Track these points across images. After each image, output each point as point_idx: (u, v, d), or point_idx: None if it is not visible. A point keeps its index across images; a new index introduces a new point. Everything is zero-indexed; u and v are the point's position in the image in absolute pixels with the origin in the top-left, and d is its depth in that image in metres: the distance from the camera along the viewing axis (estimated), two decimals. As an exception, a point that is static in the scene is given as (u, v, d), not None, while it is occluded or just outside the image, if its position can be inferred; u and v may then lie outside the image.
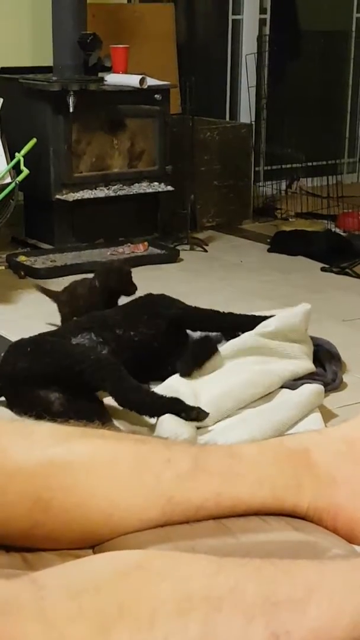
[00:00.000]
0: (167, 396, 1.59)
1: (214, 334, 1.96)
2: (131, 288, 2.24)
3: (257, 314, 1.98)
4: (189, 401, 1.62)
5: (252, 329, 1.88)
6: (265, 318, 1.91)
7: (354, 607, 0.64)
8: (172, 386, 1.74)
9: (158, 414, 1.54)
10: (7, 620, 0.58)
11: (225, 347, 1.83)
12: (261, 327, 1.87)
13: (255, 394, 1.74)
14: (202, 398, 1.68)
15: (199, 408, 1.55)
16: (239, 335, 1.90)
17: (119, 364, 1.65)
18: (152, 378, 1.89)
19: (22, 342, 1.76)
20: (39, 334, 1.85)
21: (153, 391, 1.63)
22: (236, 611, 0.63)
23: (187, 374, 1.77)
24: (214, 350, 1.83)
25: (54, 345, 1.72)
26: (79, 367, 1.61)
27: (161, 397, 1.58)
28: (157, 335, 1.89)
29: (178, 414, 1.53)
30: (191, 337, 2.00)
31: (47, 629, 0.58)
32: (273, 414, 1.65)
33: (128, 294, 2.23)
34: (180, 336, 1.96)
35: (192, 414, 1.54)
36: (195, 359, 1.83)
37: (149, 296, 2.02)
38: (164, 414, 1.53)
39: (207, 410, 1.62)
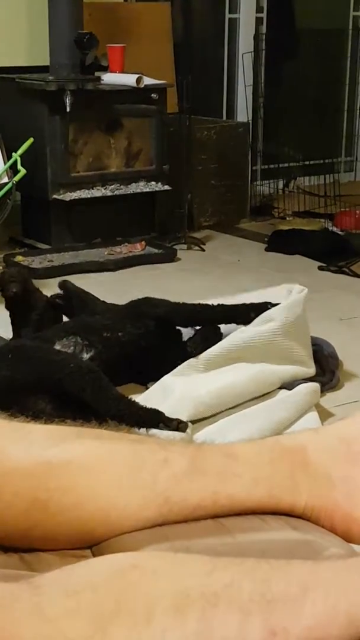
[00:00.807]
0: (148, 407, 1.59)
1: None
2: (35, 296, 2.10)
3: (244, 299, 1.96)
4: (180, 399, 1.63)
5: (247, 318, 1.87)
6: (258, 306, 1.89)
7: (350, 606, 0.65)
8: (167, 384, 1.74)
9: (138, 425, 1.55)
10: (3, 613, 0.58)
11: (228, 344, 1.81)
12: (265, 321, 1.84)
13: (255, 391, 1.74)
14: (201, 391, 1.68)
15: (179, 420, 1.55)
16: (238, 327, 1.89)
17: (99, 372, 1.64)
18: (148, 378, 1.88)
19: (3, 349, 1.76)
20: (21, 339, 1.85)
21: (134, 401, 1.62)
22: (232, 607, 0.63)
23: (196, 353, 1.78)
24: (221, 336, 1.84)
25: (35, 351, 1.71)
26: (58, 376, 1.61)
27: (141, 409, 1.58)
28: (146, 335, 1.89)
29: (157, 426, 1.53)
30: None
31: (44, 624, 0.58)
32: (270, 413, 1.65)
33: (34, 304, 2.08)
34: (172, 335, 1.96)
35: (172, 425, 1.54)
36: (205, 341, 1.83)
37: (133, 301, 2.02)
38: (144, 425, 1.54)
39: (207, 401, 1.62)
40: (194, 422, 1.65)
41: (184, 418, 1.58)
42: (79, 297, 2.12)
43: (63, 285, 2.16)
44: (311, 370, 1.89)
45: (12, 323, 2.14)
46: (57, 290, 2.77)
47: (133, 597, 0.62)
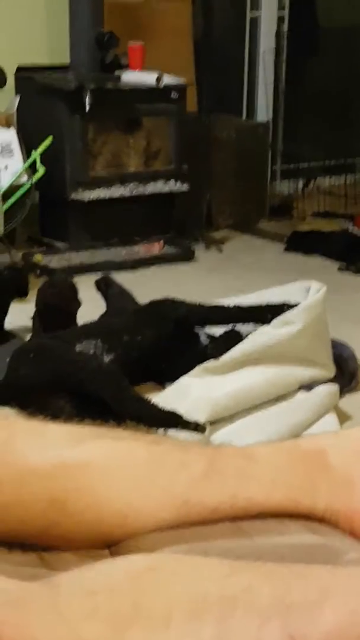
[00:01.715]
0: (166, 409, 1.59)
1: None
2: (73, 305, 2.07)
3: (260, 296, 1.95)
4: (197, 400, 1.62)
5: (264, 319, 1.86)
6: (276, 307, 1.88)
7: (371, 612, 0.64)
8: (184, 385, 1.73)
9: (156, 426, 1.54)
10: (21, 614, 0.58)
11: (246, 346, 1.80)
12: (284, 323, 1.82)
13: (273, 393, 1.73)
14: (218, 392, 1.67)
15: (196, 421, 1.55)
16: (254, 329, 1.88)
17: (119, 373, 1.64)
18: (165, 379, 1.88)
19: (25, 348, 1.76)
20: (43, 339, 1.85)
21: (153, 403, 1.62)
22: (251, 612, 0.63)
23: (217, 355, 1.78)
24: (242, 339, 1.84)
25: (56, 351, 1.71)
26: (78, 376, 1.61)
27: (160, 410, 1.58)
28: (165, 337, 1.89)
29: (175, 427, 1.53)
30: (202, 341, 1.99)
31: (61, 625, 0.58)
32: (288, 416, 1.64)
33: (70, 311, 2.07)
34: (189, 337, 1.96)
35: (190, 427, 1.54)
36: (226, 344, 1.83)
37: (153, 301, 2.01)
38: (161, 426, 1.54)
39: (224, 403, 1.61)
40: (210, 423, 1.64)
41: (201, 419, 1.58)
42: (121, 292, 2.14)
43: (105, 279, 2.18)
44: (330, 372, 1.87)
45: (35, 327, 2.12)
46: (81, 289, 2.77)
47: (151, 600, 0.62)
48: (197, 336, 1.97)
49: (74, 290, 2.09)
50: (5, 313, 2.26)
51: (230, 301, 2.00)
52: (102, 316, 2.08)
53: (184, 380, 1.75)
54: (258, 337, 1.80)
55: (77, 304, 2.08)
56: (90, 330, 1.88)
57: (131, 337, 1.85)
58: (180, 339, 1.91)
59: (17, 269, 2.59)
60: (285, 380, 1.76)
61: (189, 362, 1.84)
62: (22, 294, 2.36)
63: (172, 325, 1.89)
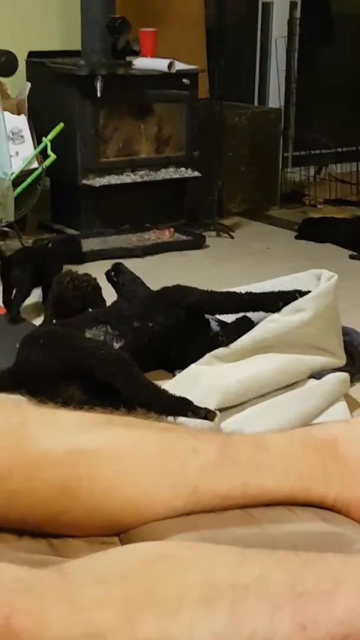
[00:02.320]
0: (177, 395, 1.59)
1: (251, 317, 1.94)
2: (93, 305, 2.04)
3: (271, 285, 1.95)
4: (208, 387, 1.62)
5: (275, 307, 1.85)
6: (287, 295, 1.87)
7: (383, 602, 0.64)
8: (195, 372, 1.73)
9: (166, 413, 1.54)
10: (33, 600, 0.58)
11: (257, 333, 1.79)
12: (295, 310, 1.81)
13: (284, 381, 1.72)
14: (229, 380, 1.67)
15: (207, 408, 1.55)
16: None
17: (129, 360, 1.63)
18: (175, 366, 1.88)
19: (35, 334, 1.76)
20: (52, 325, 1.84)
21: (164, 389, 1.61)
22: (262, 600, 0.62)
23: (228, 343, 1.77)
24: (253, 326, 1.83)
25: (66, 338, 1.71)
26: (89, 362, 1.61)
27: (170, 397, 1.57)
28: (176, 325, 1.88)
29: (185, 414, 1.53)
30: (212, 328, 1.99)
31: (73, 612, 0.58)
32: (299, 403, 1.64)
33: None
34: (200, 324, 1.95)
35: (200, 414, 1.53)
36: (238, 330, 1.83)
37: (164, 288, 2.01)
38: (172, 413, 1.53)
39: (235, 390, 1.61)
40: (221, 410, 1.64)
41: (211, 406, 1.57)
42: (133, 280, 2.13)
43: (116, 268, 2.16)
44: (341, 360, 1.87)
45: (47, 315, 2.12)
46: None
47: (162, 588, 0.62)
48: (208, 323, 1.96)
49: (97, 291, 2.06)
50: (51, 277, 2.22)
51: (241, 289, 1.99)
52: (114, 303, 2.07)
53: (195, 368, 1.75)
54: (269, 324, 1.79)
55: (100, 303, 2.05)
56: (101, 316, 1.88)
57: (142, 324, 1.85)
58: (191, 326, 1.91)
59: (72, 237, 2.62)
60: (296, 368, 1.76)
61: (200, 349, 1.84)
62: (78, 261, 2.47)
63: (183, 313, 1.89)
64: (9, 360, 1.71)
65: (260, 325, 1.81)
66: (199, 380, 1.70)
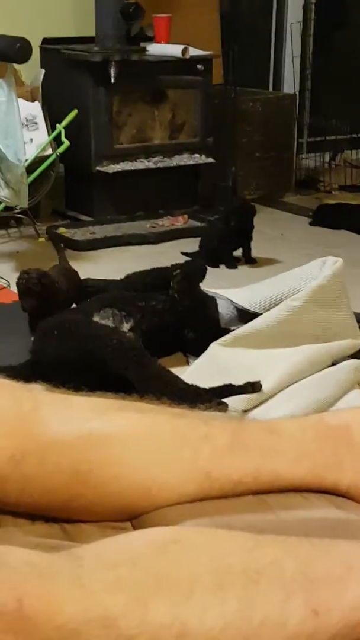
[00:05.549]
0: (189, 385, 1.58)
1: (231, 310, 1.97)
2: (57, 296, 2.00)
3: (279, 280, 1.95)
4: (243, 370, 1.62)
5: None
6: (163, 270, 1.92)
7: None
8: (218, 358, 1.72)
9: (178, 402, 1.54)
10: (44, 583, 0.58)
11: (277, 313, 1.78)
12: (290, 301, 1.81)
13: (308, 371, 1.71)
14: (265, 385, 1.64)
15: (219, 400, 1.54)
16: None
17: (141, 349, 1.63)
18: (188, 351, 1.89)
19: (48, 325, 1.76)
20: (64, 315, 1.84)
21: (176, 379, 1.61)
22: (274, 586, 0.62)
23: (179, 291, 1.84)
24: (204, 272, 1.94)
25: (78, 327, 1.71)
26: (102, 353, 1.61)
27: (182, 388, 1.57)
28: (178, 304, 1.90)
29: (196, 406, 1.53)
30: (222, 314, 1.99)
31: (84, 596, 0.58)
32: (314, 391, 1.63)
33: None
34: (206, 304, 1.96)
35: (212, 405, 1.53)
36: (187, 279, 1.87)
37: (154, 269, 2.03)
38: (184, 403, 1.53)
39: (268, 387, 1.59)
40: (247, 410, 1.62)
41: (239, 408, 1.56)
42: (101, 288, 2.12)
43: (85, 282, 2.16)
44: (358, 340, 1.85)
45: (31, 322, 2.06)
46: (98, 263, 2.77)
47: (174, 573, 0.62)
48: (214, 302, 1.96)
49: (52, 287, 1.97)
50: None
51: (242, 291, 2.01)
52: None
53: (218, 353, 1.74)
54: (289, 302, 1.79)
55: (58, 298, 1.97)
56: (105, 300, 1.89)
57: (145, 303, 1.86)
58: (199, 307, 1.91)
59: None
60: (321, 357, 1.75)
61: (211, 332, 1.84)
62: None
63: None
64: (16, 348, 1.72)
65: (281, 305, 1.80)
66: (227, 372, 1.69)
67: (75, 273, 2.17)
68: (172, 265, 2.00)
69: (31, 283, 1.91)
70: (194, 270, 1.94)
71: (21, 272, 1.96)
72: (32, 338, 1.86)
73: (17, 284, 1.95)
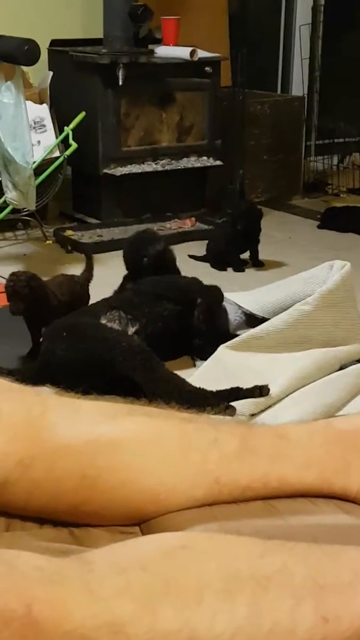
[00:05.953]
0: (197, 389, 1.58)
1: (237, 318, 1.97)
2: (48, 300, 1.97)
3: (285, 284, 1.96)
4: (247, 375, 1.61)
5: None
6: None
7: None
8: (226, 362, 1.72)
9: (186, 406, 1.54)
10: (54, 589, 0.58)
11: (288, 318, 1.78)
12: (301, 305, 1.81)
13: (317, 375, 1.71)
14: (274, 389, 1.64)
15: (226, 404, 1.54)
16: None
17: (149, 352, 1.64)
18: (196, 354, 1.89)
19: (57, 327, 1.76)
20: (73, 316, 1.85)
21: (184, 382, 1.62)
22: (284, 592, 0.62)
23: (202, 325, 1.85)
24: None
25: (88, 329, 1.72)
26: (110, 355, 1.61)
27: (190, 391, 1.57)
28: (188, 311, 1.90)
29: (204, 410, 1.53)
30: (230, 320, 1.99)
31: (93, 601, 0.58)
32: (322, 395, 1.63)
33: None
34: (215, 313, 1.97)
35: (220, 409, 1.53)
36: (209, 311, 1.89)
37: (164, 277, 2.04)
38: (192, 407, 1.53)
39: (276, 391, 1.59)
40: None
41: (247, 412, 1.56)
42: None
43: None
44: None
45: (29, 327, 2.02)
46: (105, 265, 2.77)
47: (183, 579, 0.61)
48: (225, 314, 1.97)
49: (39, 289, 1.93)
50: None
51: (250, 295, 2.01)
52: (121, 288, 2.09)
53: (225, 357, 1.74)
54: (300, 307, 1.79)
55: (46, 300, 1.93)
56: (113, 302, 1.90)
57: (152, 309, 1.86)
58: (208, 314, 1.92)
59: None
60: (329, 361, 1.74)
61: (217, 337, 1.85)
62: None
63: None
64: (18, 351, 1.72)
65: (292, 309, 1.79)
66: (234, 375, 1.68)
67: (79, 282, 2.13)
68: (188, 283, 2.01)
69: (19, 286, 1.87)
70: (215, 297, 1.94)
71: (10, 274, 1.92)
72: (32, 341, 1.88)
73: (5, 287, 1.90)
